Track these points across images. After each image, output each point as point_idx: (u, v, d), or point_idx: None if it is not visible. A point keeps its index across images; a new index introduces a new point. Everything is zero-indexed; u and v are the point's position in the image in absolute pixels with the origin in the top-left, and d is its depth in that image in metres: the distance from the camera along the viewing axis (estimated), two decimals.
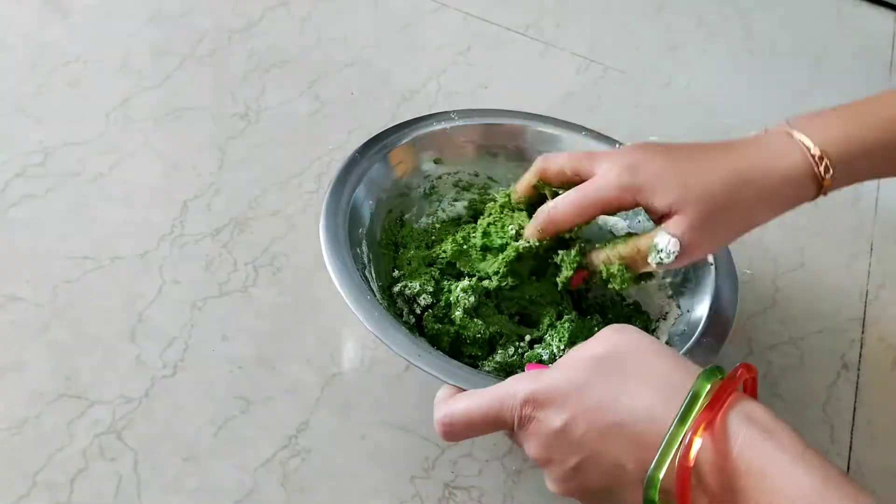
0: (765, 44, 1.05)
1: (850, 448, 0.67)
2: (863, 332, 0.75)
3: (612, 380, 0.44)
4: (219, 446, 0.57)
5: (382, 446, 0.59)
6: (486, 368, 0.59)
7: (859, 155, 0.57)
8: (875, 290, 0.79)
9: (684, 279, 0.66)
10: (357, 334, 0.65)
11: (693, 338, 0.60)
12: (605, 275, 0.59)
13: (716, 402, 0.42)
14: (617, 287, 0.59)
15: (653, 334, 0.62)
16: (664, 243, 0.55)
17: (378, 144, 0.67)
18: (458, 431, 0.48)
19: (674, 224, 0.56)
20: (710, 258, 0.65)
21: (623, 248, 0.58)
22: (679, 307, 0.65)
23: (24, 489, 0.53)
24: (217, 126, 0.78)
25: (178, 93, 0.80)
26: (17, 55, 0.80)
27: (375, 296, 0.58)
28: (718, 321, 0.61)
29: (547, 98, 0.90)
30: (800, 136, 0.57)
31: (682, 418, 0.41)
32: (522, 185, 0.63)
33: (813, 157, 0.56)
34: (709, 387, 0.42)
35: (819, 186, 0.57)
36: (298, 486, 0.56)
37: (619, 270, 0.58)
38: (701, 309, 0.63)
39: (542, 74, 0.93)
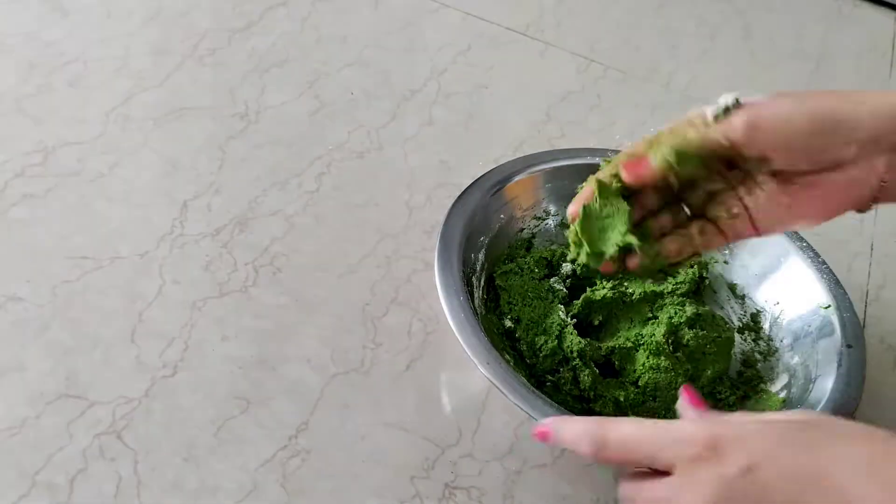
0: (765, 44, 1.05)
1: None
2: (863, 333, 0.75)
3: (809, 438, 0.40)
4: (219, 446, 0.57)
5: (382, 446, 0.59)
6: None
7: None
8: (875, 291, 0.79)
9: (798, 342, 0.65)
10: (359, 333, 0.65)
11: (824, 401, 0.59)
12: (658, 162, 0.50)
13: None
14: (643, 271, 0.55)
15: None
16: (724, 98, 0.48)
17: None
18: (610, 452, 0.44)
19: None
20: (832, 313, 0.64)
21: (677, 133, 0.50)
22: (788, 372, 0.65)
23: (24, 489, 0.53)
24: (217, 126, 0.78)
25: (178, 93, 0.80)
26: (17, 55, 0.80)
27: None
28: (850, 381, 0.60)
29: (547, 98, 0.90)
30: None
31: None
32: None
33: None
34: None
35: None
36: (298, 486, 0.56)
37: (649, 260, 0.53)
38: (824, 381, 0.61)
39: (542, 74, 0.93)
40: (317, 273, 0.69)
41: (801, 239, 0.69)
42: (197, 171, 0.74)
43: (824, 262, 0.68)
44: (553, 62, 0.95)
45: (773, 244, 0.69)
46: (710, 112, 0.49)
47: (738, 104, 0.47)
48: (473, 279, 0.64)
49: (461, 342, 0.56)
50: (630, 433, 0.44)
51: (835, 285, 0.67)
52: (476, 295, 0.63)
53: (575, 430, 0.46)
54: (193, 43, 0.85)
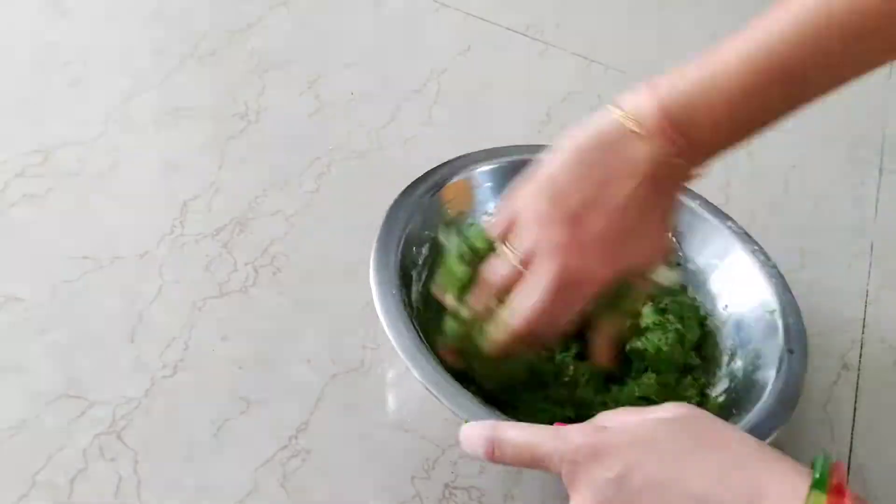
0: None
1: (851, 449, 0.67)
2: (863, 333, 0.75)
3: (678, 440, 0.44)
4: (219, 446, 0.57)
5: (382, 446, 0.59)
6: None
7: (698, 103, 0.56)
8: (875, 291, 0.79)
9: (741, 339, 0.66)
10: (359, 333, 0.65)
11: (759, 404, 0.59)
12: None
13: (839, 485, 0.41)
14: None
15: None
16: (667, 275, 0.58)
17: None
18: (505, 453, 0.47)
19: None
20: (777, 317, 0.64)
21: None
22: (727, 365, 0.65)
23: (24, 489, 0.53)
24: (217, 126, 0.78)
25: (178, 93, 0.80)
26: (17, 55, 0.80)
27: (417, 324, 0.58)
28: (788, 387, 0.60)
29: (547, 98, 0.90)
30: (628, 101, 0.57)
31: (820, 483, 0.40)
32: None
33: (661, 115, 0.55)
34: (829, 465, 0.41)
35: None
36: (298, 486, 0.56)
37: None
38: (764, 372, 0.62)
39: (542, 74, 0.93)
40: (317, 273, 0.69)
41: (753, 242, 0.69)
42: (197, 171, 0.74)
43: (774, 266, 0.68)
44: (553, 62, 0.95)
45: (720, 240, 0.69)
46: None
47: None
48: (413, 273, 0.63)
49: (392, 342, 0.56)
50: (522, 438, 0.47)
51: (783, 290, 0.66)
52: (414, 289, 0.62)
53: (472, 434, 0.49)
54: (193, 43, 0.85)
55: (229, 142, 0.77)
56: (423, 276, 0.64)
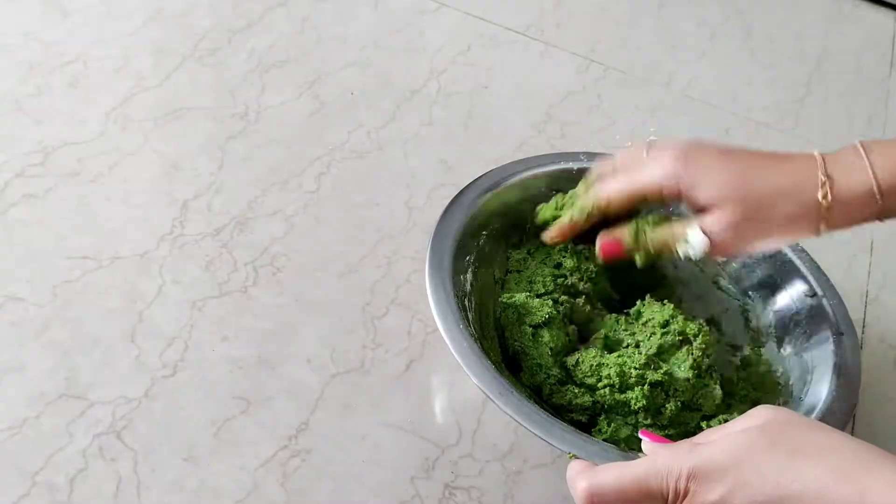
0: (765, 44, 1.05)
1: None
2: (863, 333, 0.75)
3: (774, 453, 0.43)
4: (219, 446, 0.57)
5: (382, 446, 0.59)
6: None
7: None
8: (875, 291, 0.79)
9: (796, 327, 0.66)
10: (359, 333, 0.65)
11: (819, 406, 0.59)
12: (629, 250, 0.60)
13: None
14: (639, 263, 0.61)
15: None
16: (696, 239, 0.56)
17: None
18: (606, 501, 0.46)
19: (710, 220, 0.56)
20: (833, 319, 0.65)
21: (656, 232, 0.59)
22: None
23: (24, 489, 0.53)
24: (217, 126, 0.78)
25: (178, 93, 0.80)
26: (17, 55, 0.80)
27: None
28: (846, 387, 0.60)
29: (547, 98, 0.90)
30: (863, 159, 0.57)
31: None
32: (571, 217, 0.64)
33: (874, 180, 0.56)
34: None
35: (877, 213, 0.56)
36: (298, 486, 0.56)
37: (643, 253, 0.60)
38: (820, 374, 0.62)
39: (542, 74, 0.93)
40: (317, 273, 0.69)
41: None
42: (197, 171, 0.74)
43: (804, 250, 0.68)
44: (553, 62, 0.95)
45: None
46: (683, 251, 0.58)
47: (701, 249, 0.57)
48: (466, 301, 0.62)
49: (454, 353, 0.56)
50: (618, 479, 0.46)
51: (817, 272, 0.67)
52: (471, 318, 0.61)
53: (574, 486, 0.48)
54: (193, 43, 0.85)
55: (229, 142, 0.77)
56: (474, 305, 0.63)
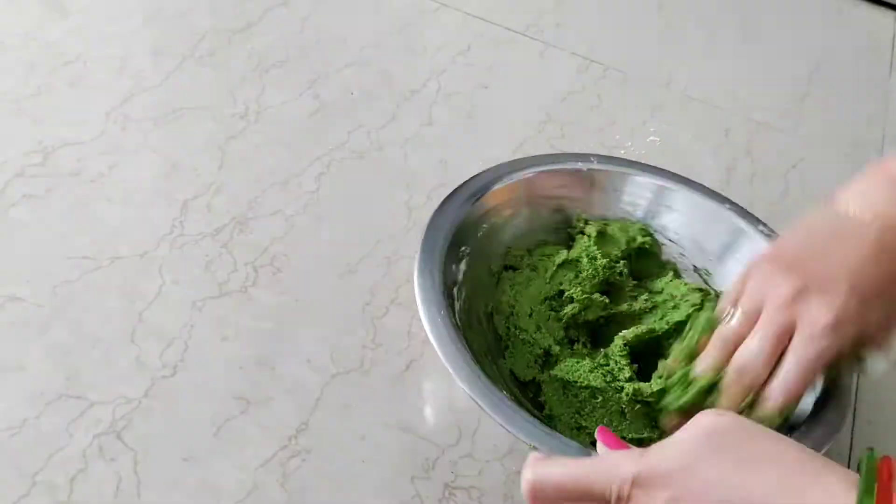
0: (765, 44, 1.05)
1: (851, 448, 0.67)
2: None
3: (719, 460, 0.42)
4: (219, 446, 0.57)
5: (382, 446, 0.59)
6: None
7: None
8: None
9: None
10: (359, 333, 0.65)
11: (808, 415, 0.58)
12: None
13: (886, 484, 0.40)
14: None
15: None
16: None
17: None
18: (547, 496, 0.46)
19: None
20: None
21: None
22: None
23: (24, 489, 0.53)
24: (217, 126, 0.78)
25: (178, 93, 0.80)
26: (17, 55, 0.80)
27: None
28: (836, 396, 0.59)
29: (547, 98, 0.90)
30: None
31: (868, 491, 0.39)
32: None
33: None
34: (875, 466, 0.40)
35: None
36: (298, 486, 0.56)
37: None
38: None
39: (542, 74, 0.93)
40: (317, 273, 0.69)
41: (761, 222, 0.70)
42: (197, 171, 0.74)
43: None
44: (553, 62, 0.95)
45: (726, 225, 0.70)
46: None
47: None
48: (455, 290, 0.62)
49: (444, 361, 0.56)
50: (562, 475, 0.46)
51: None
52: (457, 307, 0.61)
53: (522, 478, 0.48)
54: (193, 43, 0.85)
55: (229, 142, 0.77)
56: (464, 294, 0.63)
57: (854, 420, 0.69)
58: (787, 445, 0.43)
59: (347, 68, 0.87)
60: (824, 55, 1.05)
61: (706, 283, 0.69)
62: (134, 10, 0.87)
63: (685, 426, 0.45)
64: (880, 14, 1.15)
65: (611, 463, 0.45)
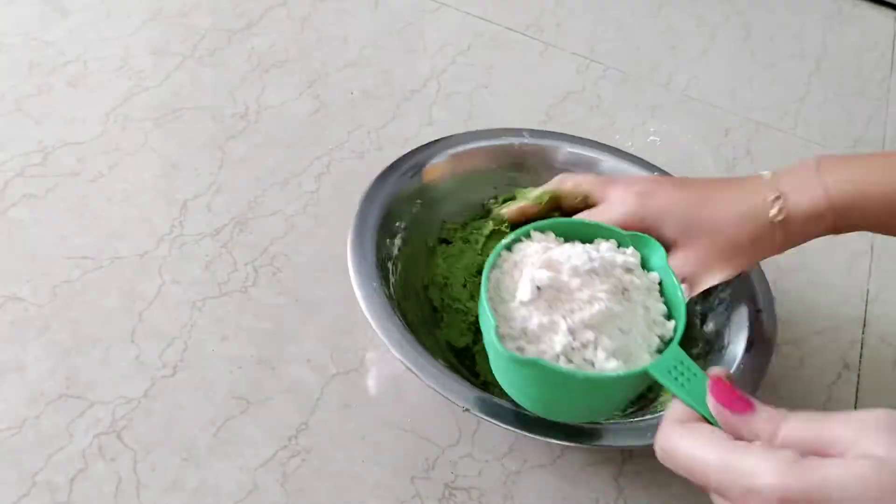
0: (765, 44, 1.05)
1: None
2: (863, 333, 0.75)
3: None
4: (219, 446, 0.57)
5: (382, 446, 0.59)
6: None
7: (865, 202, 0.56)
8: (875, 290, 0.79)
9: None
10: (359, 333, 0.65)
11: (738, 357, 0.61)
12: None
13: None
14: None
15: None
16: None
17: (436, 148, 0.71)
18: (675, 461, 0.39)
19: (680, 258, 0.57)
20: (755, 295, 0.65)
21: None
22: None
23: (24, 489, 0.53)
24: (217, 126, 0.78)
25: (178, 93, 0.80)
26: (17, 55, 0.80)
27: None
28: (755, 360, 0.62)
29: (547, 98, 0.90)
30: (816, 175, 0.57)
31: None
32: (528, 200, 0.65)
33: (826, 194, 0.56)
34: None
35: (831, 227, 0.57)
36: (298, 486, 0.56)
37: None
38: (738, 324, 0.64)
39: (542, 74, 0.93)
40: (317, 273, 0.69)
41: None
42: (197, 171, 0.74)
43: None
44: (553, 62, 0.95)
45: None
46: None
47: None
48: (389, 264, 0.64)
49: (375, 328, 0.57)
50: (697, 456, 0.38)
51: None
52: (392, 280, 0.63)
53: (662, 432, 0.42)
54: (193, 43, 0.85)
55: (229, 142, 0.77)
56: (399, 268, 0.65)
57: None
58: None
59: (347, 68, 0.87)
60: (824, 55, 1.05)
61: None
62: (134, 10, 0.87)
63: (856, 415, 0.36)
64: (880, 14, 1.15)
65: (755, 471, 0.36)
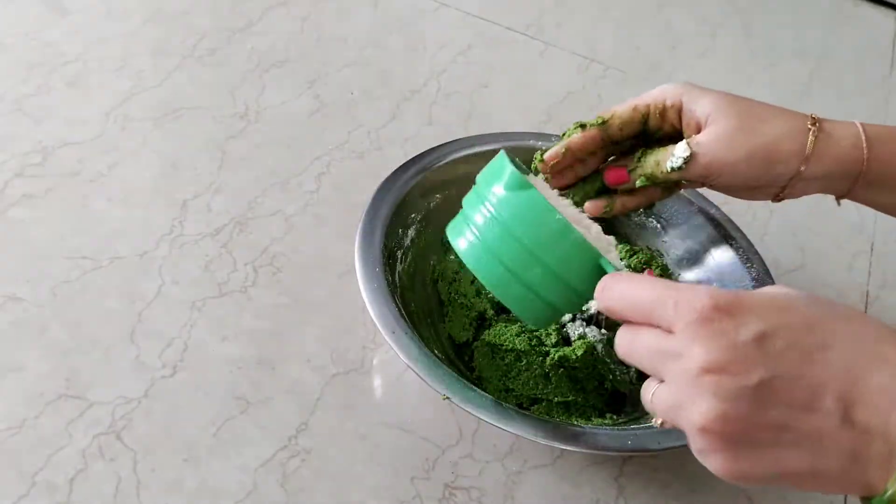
0: (765, 44, 1.05)
1: None
2: None
3: (817, 307, 0.39)
4: (219, 446, 0.57)
5: (382, 446, 0.59)
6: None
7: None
8: (875, 291, 0.79)
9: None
10: (359, 333, 0.65)
11: None
12: (630, 171, 0.60)
13: None
14: (638, 185, 0.60)
15: None
16: (680, 149, 0.57)
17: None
18: (615, 291, 0.43)
19: (702, 135, 0.57)
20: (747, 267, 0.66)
21: (655, 153, 0.59)
22: None
23: (24, 489, 0.53)
24: (217, 126, 0.78)
25: (178, 93, 0.80)
26: (17, 55, 0.80)
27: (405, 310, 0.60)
28: None
29: (547, 98, 0.90)
30: (854, 122, 0.57)
31: None
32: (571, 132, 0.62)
33: (861, 129, 0.57)
34: None
35: (858, 169, 0.56)
36: (298, 486, 0.56)
37: (643, 176, 0.59)
38: None
39: (542, 74, 0.93)
40: (317, 273, 0.69)
41: (733, 236, 0.69)
42: (197, 171, 0.74)
43: (756, 254, 0.68)
44: (553, 62, 0.95)
45: (700, 232, 0.70)
46: (669, 164, 0.57)
47: (690, 158, 0.57)
48: (399, 253, 0.65)
49: (373, 317, 0.57)
50: (632, 285, 0.42)
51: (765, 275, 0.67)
52: (398, 268, 0.64)
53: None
54: (193, 43, 0.85)
55: (229, 142, 0.77)
56: (409, 257, 0.66)
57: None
58: (866, 316, 0.41)
59: (347, 68, 0.87)
60: (824, 55, 1.05)
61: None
62: (134, 10, 0.87)
63: (759, 290, 0.42)
64: (880, 14, 1.15)
65: (690, 287, 0.40)
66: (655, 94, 0.59)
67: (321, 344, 0.64)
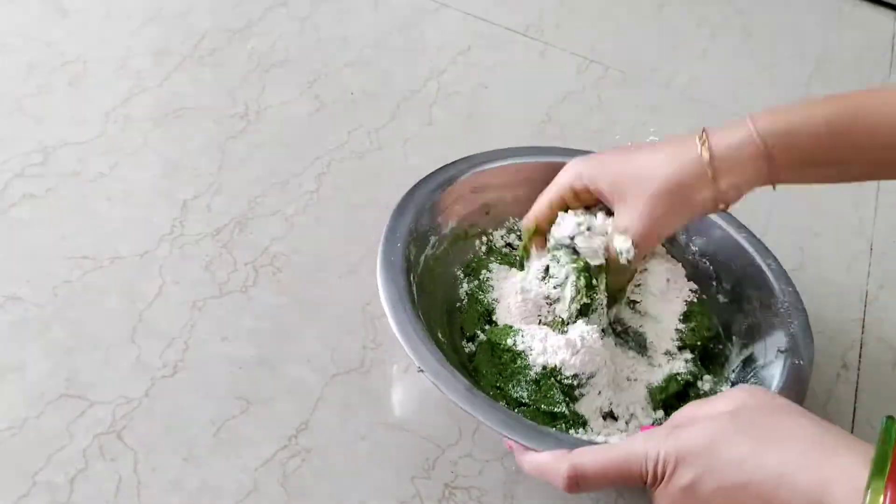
0: (765, 44, 1.05)
1: None
2: (863, 333, 0.75)
3: (742, 440, 0.44)
4: (219, 446, 0.57)
5: (382, 446, 0.59)
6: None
7: (794, 136, 0.57)
8: (875, 291, 0.79)
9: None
10: (359, 333, 0.65)
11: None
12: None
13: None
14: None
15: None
16: (621, 244, 0.59)
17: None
18: (589, 483, 0.48)
19: (622, 215, 0.59)
20: (780, 301, 0.66)
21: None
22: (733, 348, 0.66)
23: (24, 489, 0.53)
24: (217, 126, 0.78)
25: (178, 93, 0.80)
26: (17, 55, 0.80)
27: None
28: (796, 369, 0.61)
29: (547, 98, 0.90)
30: (744, 120, 0.58)
31: (880, 471, 0.40)
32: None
33: (752, 126, 0.57)
34: (891, 443, 0.42)
35: (767, 168, 0.58)
36: (298, 486, 0.56)
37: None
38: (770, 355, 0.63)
39: (542, 74, 0.93)
40: (317, 273, 0.69)
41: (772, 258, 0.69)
42: (197, 171, 0.74)
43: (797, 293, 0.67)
44: (553, 62, 0.95)
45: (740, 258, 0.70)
46: (624, 259, 0.60)
47: (633, 245, 0.59)
48: (432, 238, 0.66)
49: (398, 336, 0.57)
50: (601, 464, 0.48)
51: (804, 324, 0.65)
52: (426, 252, 0.65)
53: (548, 469, 0.50)
54: (193, 43, 0.85)
55: (229, 142, 0.77)
56: (443, 245, 0.67)
57: (854, 420, 0.69)
58: (808, 421, 0.44)
59: (347, 68, 0.87)
60: (824, 55, 1.05)
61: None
62: (134, 10, 0.87)
63: (717, 398, 0.47)
64: (880, 14, 1.15)
65: (642, 445, 0.47)
66: (561, 184, 0.62)
67: (321, 344, 0.64)
